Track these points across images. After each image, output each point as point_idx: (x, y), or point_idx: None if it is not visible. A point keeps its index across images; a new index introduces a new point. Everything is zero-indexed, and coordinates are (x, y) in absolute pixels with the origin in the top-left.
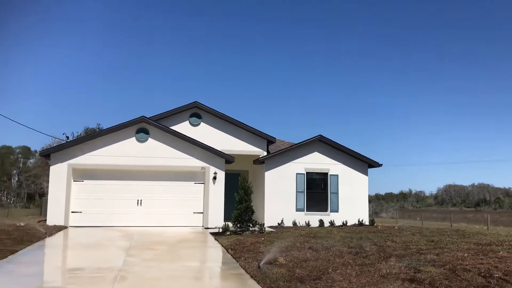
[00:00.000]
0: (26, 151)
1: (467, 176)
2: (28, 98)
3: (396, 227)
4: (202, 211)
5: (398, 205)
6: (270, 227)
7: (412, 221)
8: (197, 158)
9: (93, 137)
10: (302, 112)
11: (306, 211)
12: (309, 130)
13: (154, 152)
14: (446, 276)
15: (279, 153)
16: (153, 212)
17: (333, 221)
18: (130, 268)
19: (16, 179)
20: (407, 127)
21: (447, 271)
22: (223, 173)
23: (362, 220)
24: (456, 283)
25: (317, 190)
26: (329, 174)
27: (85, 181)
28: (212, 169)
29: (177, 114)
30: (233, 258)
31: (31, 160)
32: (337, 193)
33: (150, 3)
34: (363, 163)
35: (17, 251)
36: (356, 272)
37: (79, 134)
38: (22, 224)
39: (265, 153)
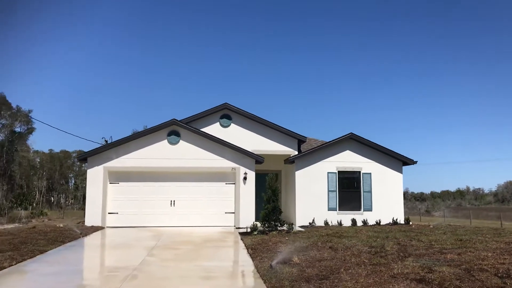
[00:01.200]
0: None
1: None
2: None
3: (431, 226)
4: (233, 211)
5: (455, 203)
6: (301, 226)
7: (461, 220)
8: (227, 159)
9: (126, 140)
10: (337, 111)
11: (339, 210)
12: (347, 129)
13: (185, 153)
14: (459, 276)
15: (309, 152)
16: (186, 212)
17: (366, 220)
18: (145, 267)
19: (73, 182)
20: (463, 121)
21: (462, 271)
22: (253, 173)
23: (396, 219)
24: (468, 284)
25: (349, 189)
26: (361, 172)
27: (121, 183)
28: (242, 170)
29: (207, 116)
30: (251, 257)
31: (86, 164)
32: (370, 191)
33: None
34: (397, 161)
35: (46, 251)
36: (367, 272)
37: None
38: (61, 225)
39: (296, 153)
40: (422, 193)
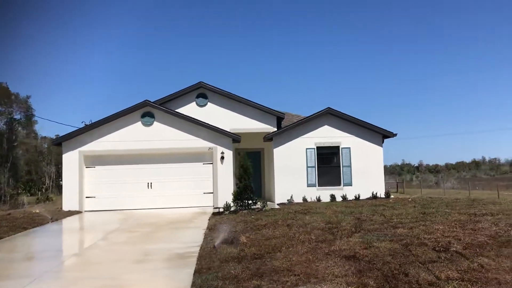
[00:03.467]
0: None
1: None
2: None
3: (410, 199)
4: (212, 191)
5: (470, 174)
6: (279, 204)
7: (463, 191)
8: (203, 139)
9: (100, 124)
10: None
11: (318, 186)
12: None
13: (160, 135)
14: (395, 251)
15: (287, 129)
16: (163, 194)
17: (345, 195)
18: (88, 252)
19: None
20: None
21: (401, 246)
22: (231, 152)
23: (376, 193)
24: (399, 259)
25: (329, 164)
26: (340, 147)
27: (97, 167)
28: (220, 149)
29: (183, 96)
30: (203, 238)
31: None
32: (350, 166)
33: None
34: (376, 134)
35: (2, 238)
36: (307, 249)
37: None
38: (37, 211)
39: (275, 130)
40: (436, 165)
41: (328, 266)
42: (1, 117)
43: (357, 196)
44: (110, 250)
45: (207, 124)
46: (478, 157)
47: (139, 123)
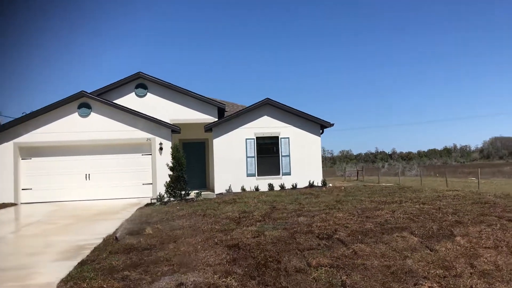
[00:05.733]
0: None
1: None
2: None
3: (343, 187)
4: (151, 182)
5: (441, 162)
6: (218, 194)
7: (429, 178)
8: (141, 129)
9: (35, 115)
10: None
11: (258, 175)
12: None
13: (98, 126)
14: (279, 239)
15: (226, 120)
16: (101, 185)
17: (283, 184)
18: None
19: None
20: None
21: (289, 234)
22: (170, 143)
23: (313, 182)
24: (280, 246)
25: (268, 154)
26: (280, 137)
27: (33, 159)
28: (158, 140)
29: (121, 86)
30: (115, 229)
31: None
32: (288, 156)
33: None
34: (314, 124)
35: None
36: (201, 239)
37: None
38: None
39: (216, 120)
40: (409, 153)
41: (207, 256)
42: None
43: (294, 185)
44: (13, 243)
45: (145, 115)
46: (449, 145)
47: (76, 114)
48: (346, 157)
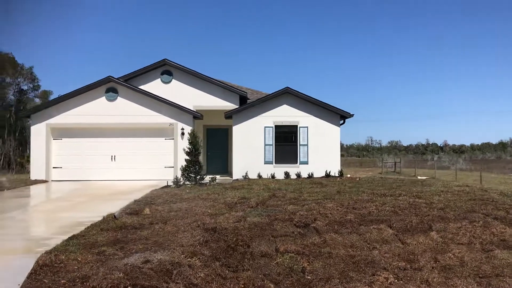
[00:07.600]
0: None
1: None
2: None
3: (358, 179)
4: (173, 166)
5: (495, 156)
6: (235, 179)
7: (469, 173)
8: (164, 115)
9: (66, 98)
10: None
11: (275, 163)
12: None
13: (123, 110)
14: (257, 225)
15: (246, 108)
16: (126, 167)
17: (300, 172)
18: None
19: None
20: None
21: (269, 220)
22: (191, 128)
23: (329, 172)
24: (254, 232)
25: (286, 143)
26: (298, 126)
27: (64, 139)
28: (180, 125)
29: (148, 72)
30: (120, 208)
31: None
32: (306, 145)
33: None
34: (334, 114)
35: None
36: (189, 221)
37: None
38: (4, 179)
39: (237, 107)
40: (462, 145)
41: (184, 237)
42: (9, 88)
43: (310, 174)
44: (23, 216)
45: (168, 100)
46: (505, 139)
47: (103, 98)
48: (395, 148)
